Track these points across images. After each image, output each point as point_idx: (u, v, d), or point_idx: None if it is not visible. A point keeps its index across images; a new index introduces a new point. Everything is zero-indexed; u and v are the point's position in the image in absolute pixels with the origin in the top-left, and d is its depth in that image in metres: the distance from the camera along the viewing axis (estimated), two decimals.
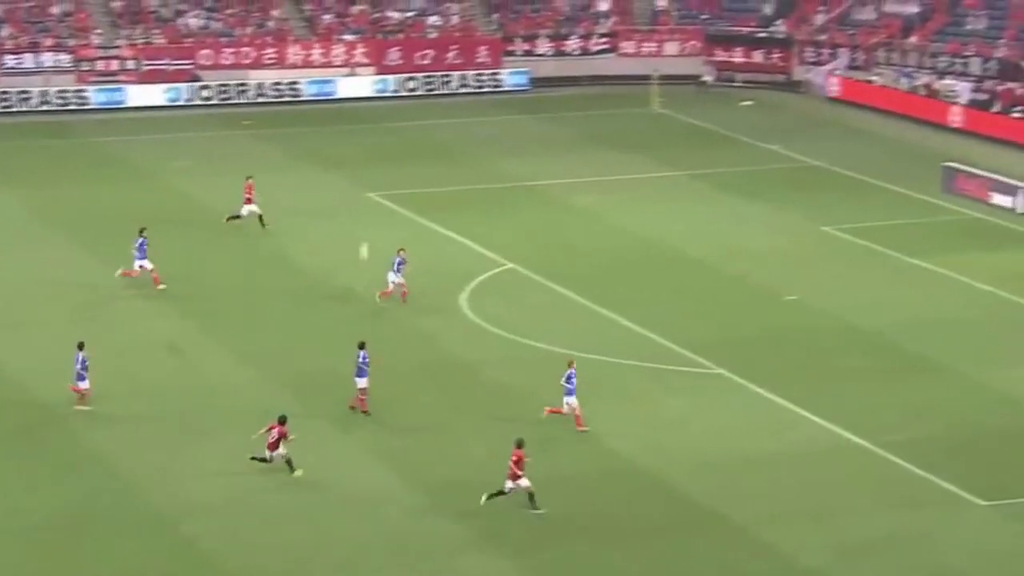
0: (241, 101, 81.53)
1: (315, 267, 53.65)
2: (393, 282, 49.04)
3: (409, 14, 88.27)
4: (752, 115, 79.11)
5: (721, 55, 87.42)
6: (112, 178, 66.63)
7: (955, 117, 75.75)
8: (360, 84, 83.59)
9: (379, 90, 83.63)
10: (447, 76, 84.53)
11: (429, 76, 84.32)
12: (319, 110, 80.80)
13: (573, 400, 39.87)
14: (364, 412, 40.66)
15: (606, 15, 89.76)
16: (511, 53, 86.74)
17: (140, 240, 50.74)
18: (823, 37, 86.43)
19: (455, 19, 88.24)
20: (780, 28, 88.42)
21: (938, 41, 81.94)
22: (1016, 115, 73.48)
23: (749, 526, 35.25)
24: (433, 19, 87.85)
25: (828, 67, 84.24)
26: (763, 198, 63.15)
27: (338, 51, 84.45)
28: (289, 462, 37.20)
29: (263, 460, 37.30)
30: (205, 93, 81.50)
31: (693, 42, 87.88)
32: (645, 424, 40.79)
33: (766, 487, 37.30)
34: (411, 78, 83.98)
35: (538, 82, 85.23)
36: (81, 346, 41.41)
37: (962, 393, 43.15)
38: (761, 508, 36.14)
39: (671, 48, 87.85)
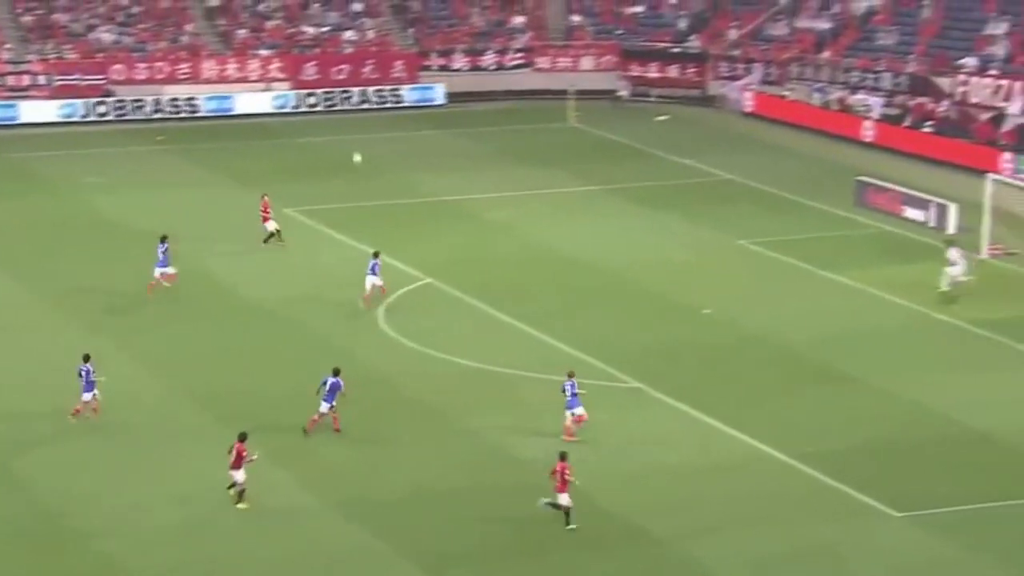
0: (138, 117, 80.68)
1: (235, 282, 53.37)
2: (374, 284, 50.40)
3: (324, 29, 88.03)
4: (667, 129, 79.44)
5: (636, 70, 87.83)
6: (19, 193, 66.02)
7: (867, 131, 76.49)
8: (260, 100, 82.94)
9: (279, 106, 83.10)
10: (347, 92, 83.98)
11: (337, 92, 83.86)
12: (232, 125, 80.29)
13: (578, 410, 40.24)
14: (336, 430, 40.59)
15: (522, 30, 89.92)
16: (427, 68, 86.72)
17: (162, 246, 50.83)
18: (737, 52, 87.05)
19: (371, 34, 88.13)
20: (694, 43, 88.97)
21: (850, 56, 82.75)
22: (927, 129, 74.27)
23: (666, 540, 35.35)
24: (349, 34, 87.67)
25: (742, 82, 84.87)
26: (679, 212, 63.45)
27: (253, 66, 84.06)
28: (240, 492, 36.46)
29: (232, 486, 36.55)
30: (101, 109, 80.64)
31: (608, 57, 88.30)
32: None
33: (683, 500, 37.41)
34: (311, 94, 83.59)
35: (454, 97, 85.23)
36: (87, 358, 40.99)
37: (877, 404, 43.48)
38: (678, 521, 36.24)
39: (587, 63, 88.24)
